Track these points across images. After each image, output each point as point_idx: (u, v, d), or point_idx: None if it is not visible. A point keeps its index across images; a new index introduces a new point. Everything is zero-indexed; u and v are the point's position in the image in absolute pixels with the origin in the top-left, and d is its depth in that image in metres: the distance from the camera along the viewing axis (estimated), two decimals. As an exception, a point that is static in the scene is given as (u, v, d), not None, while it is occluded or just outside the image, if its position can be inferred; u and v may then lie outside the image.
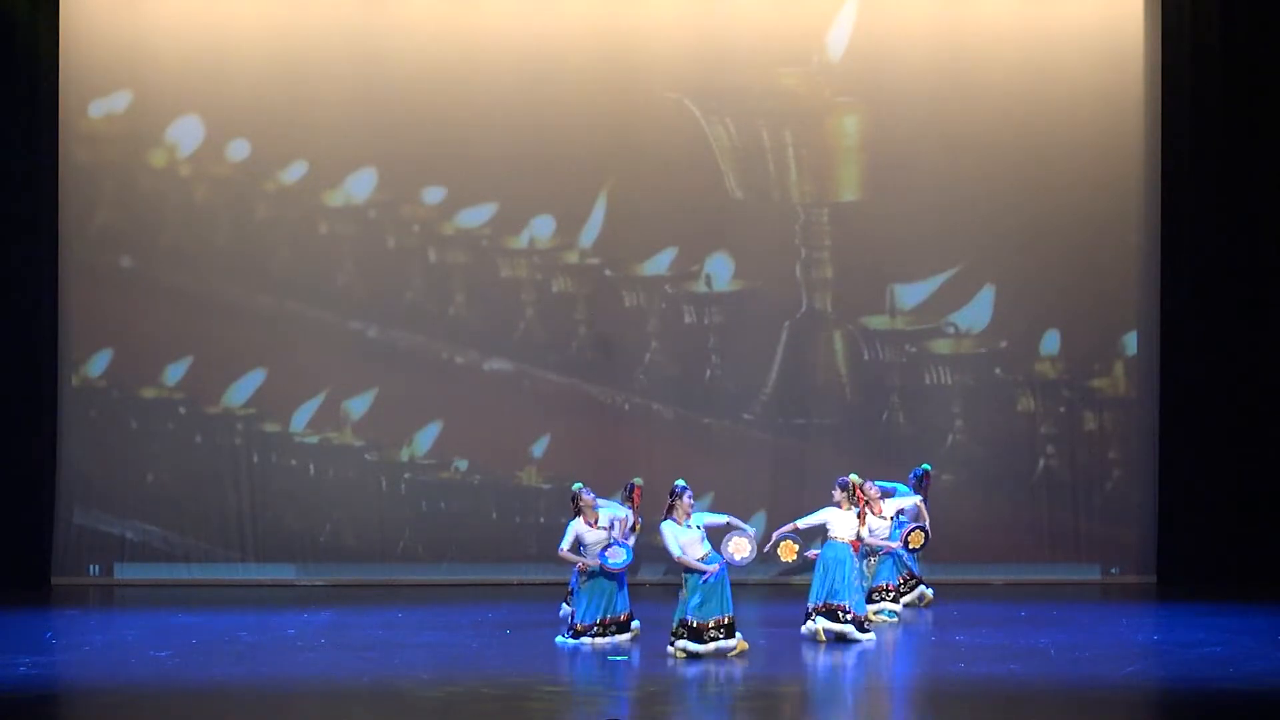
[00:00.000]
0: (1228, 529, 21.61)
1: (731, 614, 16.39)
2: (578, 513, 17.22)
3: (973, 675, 15.66)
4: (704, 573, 16.35)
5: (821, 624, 17.10)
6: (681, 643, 16.26)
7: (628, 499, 17.95)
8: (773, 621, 18.54)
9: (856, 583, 17.30)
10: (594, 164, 22.11)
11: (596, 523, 17.15)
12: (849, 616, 17.09)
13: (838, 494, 17.36)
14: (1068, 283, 22.18)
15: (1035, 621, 18.73)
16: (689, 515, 16.54)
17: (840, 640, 17.03)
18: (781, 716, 14.42)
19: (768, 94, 22.13)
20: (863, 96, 22.22)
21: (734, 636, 16.36)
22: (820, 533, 17.48)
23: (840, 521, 17.27)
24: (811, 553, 17.45)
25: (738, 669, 15.91)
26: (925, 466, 19.88)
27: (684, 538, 16.42)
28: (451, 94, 22.03)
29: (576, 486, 17.40)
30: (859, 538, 17.34)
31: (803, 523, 17.39)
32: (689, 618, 16.29)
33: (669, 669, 15.85)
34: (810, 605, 17.28)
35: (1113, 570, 22.18)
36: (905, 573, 19.38)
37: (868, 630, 17.29)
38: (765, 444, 22.11)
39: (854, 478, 17.38)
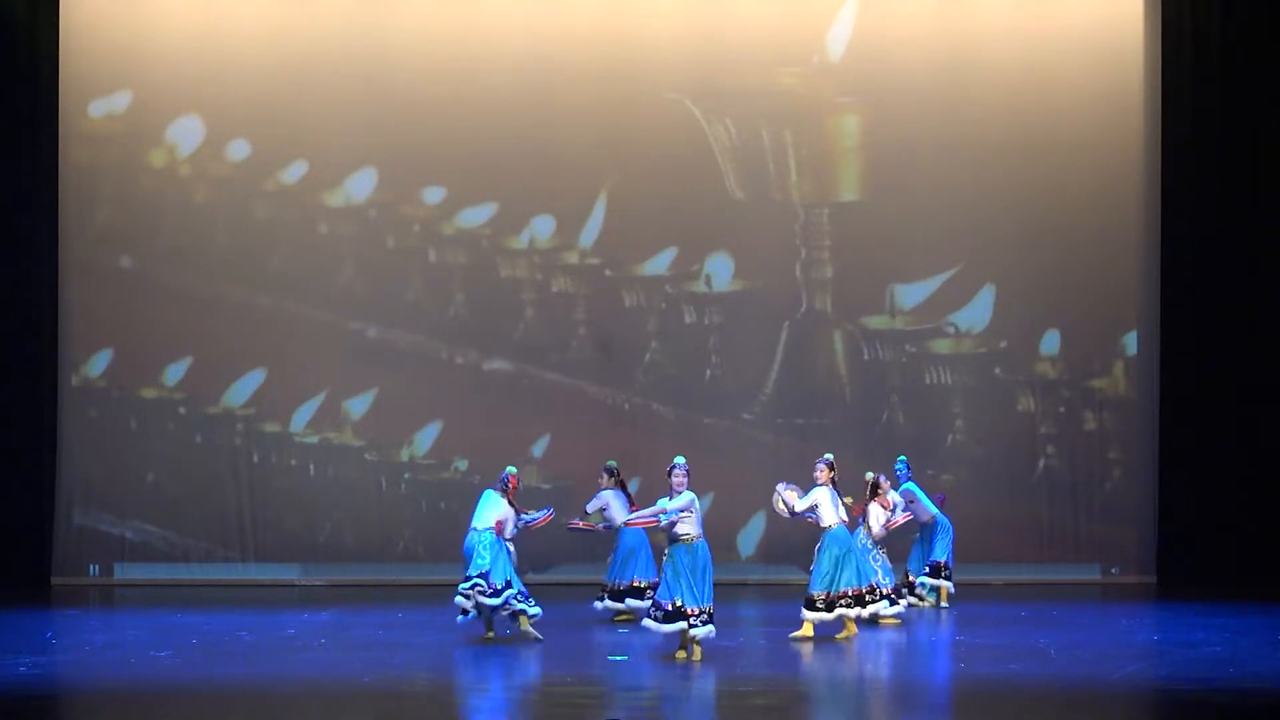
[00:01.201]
0: (1228, 529, 21.63)
1: (709, 605, 16.18)
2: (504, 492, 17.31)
3: (973, 675, 15.66)
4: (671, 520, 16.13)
5: (853, 611, 17.08)
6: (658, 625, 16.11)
7: (617, 482, 18.54)
8: (773, 621, 18.54)
9: (866, 546, 17.51)
10: (594, 164, 22.12)
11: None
12: (882, 594, 17.42)
13: (823, 474, 17.26)
14: (1068, 283, 22.20)
15: (1035, 621, 18.73)
16: (678, 490, 16.22)
17: (873, 621, 17.30)
18: (781, 717, 14.42)
19: (768, 94, 22.14)
20: (863, 96, 22.24)
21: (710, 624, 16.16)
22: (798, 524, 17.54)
23: (829, 506, 17.22)
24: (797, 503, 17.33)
25: (736, 669, 15.89)
26: (901, 458, 19.96)
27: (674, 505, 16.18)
28: (451, 94, 22.04)
29: (512, 469, 17.49)
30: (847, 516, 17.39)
31: (799, 505, 17.32)
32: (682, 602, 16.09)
33: (669, 669, 15.84)
34: (820, 593, 17.10)
35: (1113, 570, 22.20)
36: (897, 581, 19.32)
37: (900, 600, 17.87)
38: (765, 444, 22.11)
39: (870, 476, 17.93)
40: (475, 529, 17.24)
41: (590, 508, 18.69)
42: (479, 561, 17.02)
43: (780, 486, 17.46)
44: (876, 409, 22.26)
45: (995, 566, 21.87)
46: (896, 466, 19.71)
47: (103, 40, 21.97)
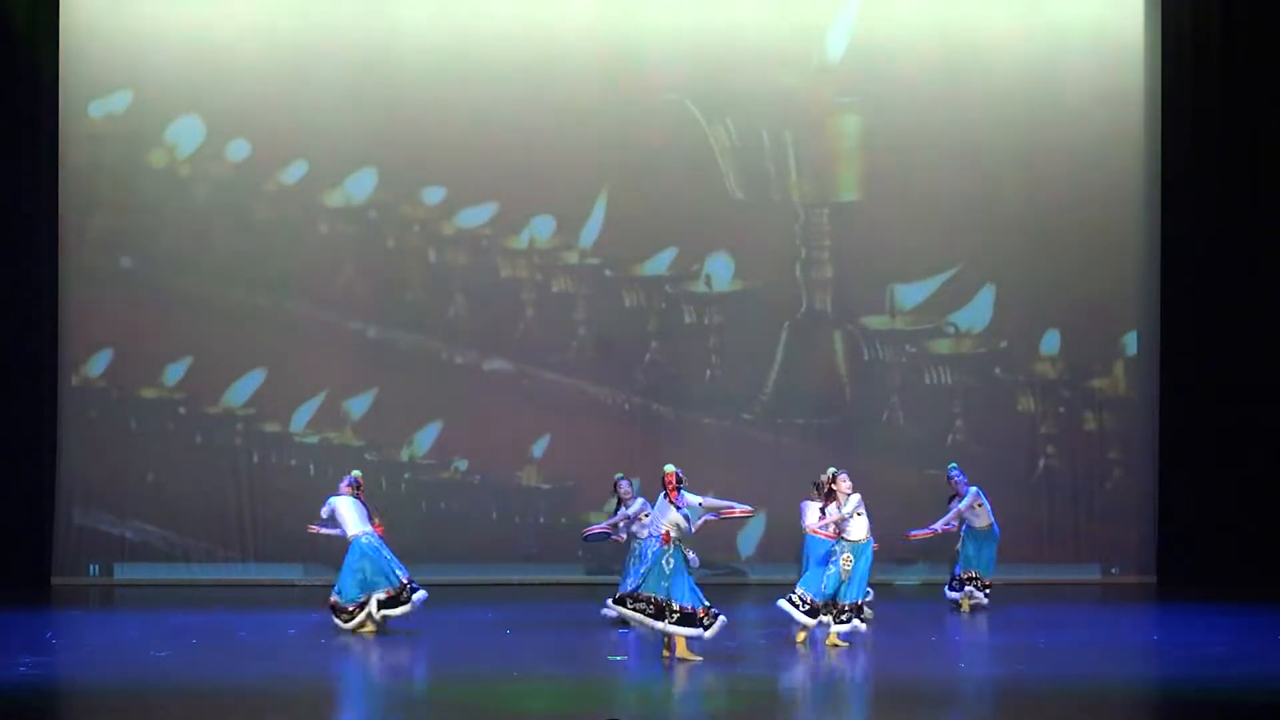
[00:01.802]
0: (1228, 529, 21.62)
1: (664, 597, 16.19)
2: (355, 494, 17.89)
3: (973, 675, 15.66)
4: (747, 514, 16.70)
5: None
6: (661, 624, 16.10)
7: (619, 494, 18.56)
8: (774, 621, 18.52)
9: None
10: (594, 164, 22.11)
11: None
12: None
13: (846, 484, 17.15)
14: (1068, 283, 22.20)
15: (1035, 621, 18.73)
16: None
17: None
18: (780, 716, 14.42)
19: (768, 94, 22.14)
20: (863, 96, 22.23)
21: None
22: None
23: (865, 518, 17.11)
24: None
25: (737, 669, 15.89)
26: (953, 464, 19.91)
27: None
28: (452, 94, 22.03)
29: (358, 472, 18.18)
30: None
31: (847, 508, 17.11)
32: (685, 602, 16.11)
33: (670, 669, 15.83)
34: (847, 602, 17.01)
35: (1113, 570, 22.20)
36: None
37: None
38: (765, 444, 22.11)
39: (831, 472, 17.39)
40: (369, 532, 17.66)
41: (632, 512, 18.49)
42: (392, 562, 17.76)
43: (815, 524, 17.36)
44: (876, 409, 22.25)
45: (995, 566, 21.82)
46: (953, 473, 19.63)
47: (103, 40, 21.95)
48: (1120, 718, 14.31)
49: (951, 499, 19.53)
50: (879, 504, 21.99)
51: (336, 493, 17.94)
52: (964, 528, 19.51)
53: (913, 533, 19.08)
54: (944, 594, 19.63)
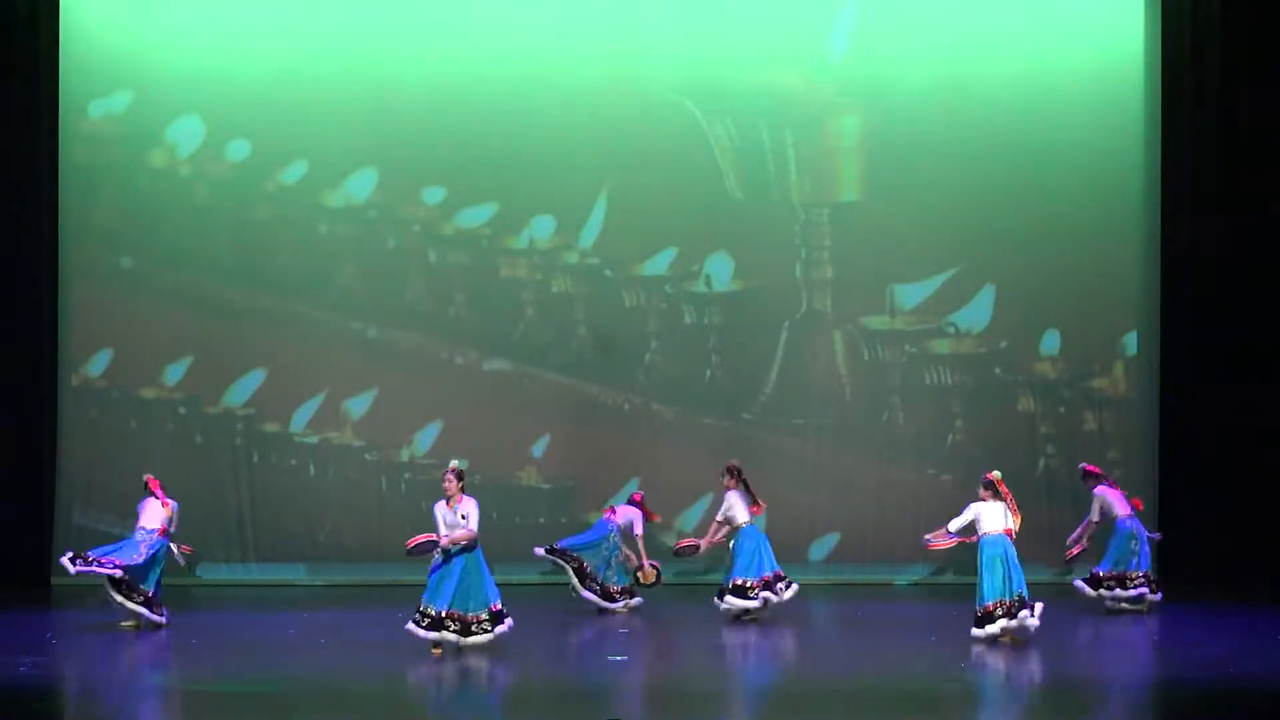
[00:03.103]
0: (1228, 529, 21.61)
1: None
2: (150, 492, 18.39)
3: (972, 675, 15.65)
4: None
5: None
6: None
7: (739, 481, 18.90)
8: (778, 621, 18.53)
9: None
10: (594, 164, 22.11)
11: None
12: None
13: (997, 493, 17.07)
14: (1068, 283, 22.19)
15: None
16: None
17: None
18: (773, 716, 14.42)
19: (768, 94, 22.13)
20: (863, 96, 22.23)
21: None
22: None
23: (991, 514, 17.00)
24: None
25: (738, 668, 15.89)
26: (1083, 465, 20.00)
27: None
28: (451, 94, 22.02)
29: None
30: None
31: (954, 525, 17.09)
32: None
33: (668, 669, 15.84)
34: (993, 602, 17.00)
35: (1113, 570, 22.16)
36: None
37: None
38: (765, 444, 22.10)
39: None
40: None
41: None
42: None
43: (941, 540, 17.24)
44: (876, 409, 22.25)
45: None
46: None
47: (103, 40, 21.94)
48: (1121, 718, 14.30)
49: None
50: (879, 504, 22.12)
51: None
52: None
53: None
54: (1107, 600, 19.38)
